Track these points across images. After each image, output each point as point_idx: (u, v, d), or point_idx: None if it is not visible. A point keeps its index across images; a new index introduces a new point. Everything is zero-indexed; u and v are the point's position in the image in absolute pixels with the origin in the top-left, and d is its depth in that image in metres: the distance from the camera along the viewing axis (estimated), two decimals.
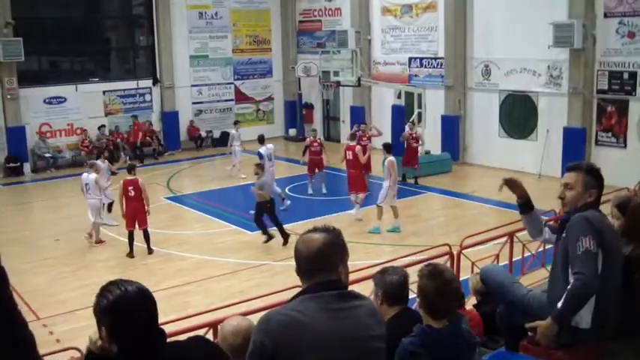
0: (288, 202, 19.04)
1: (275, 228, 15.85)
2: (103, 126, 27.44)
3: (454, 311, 4.24)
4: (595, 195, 4.83)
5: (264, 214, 15.81)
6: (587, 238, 4.52)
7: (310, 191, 20.60)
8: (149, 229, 15.79)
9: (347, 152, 18.65)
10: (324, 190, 20.52)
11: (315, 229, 3.47)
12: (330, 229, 3.48)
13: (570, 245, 4.60)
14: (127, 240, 15.63)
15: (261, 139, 20.01)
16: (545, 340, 4.63)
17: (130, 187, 15.51)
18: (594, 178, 4.87)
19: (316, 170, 20.66)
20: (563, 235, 4.79)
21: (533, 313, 4.80)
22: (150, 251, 15.60)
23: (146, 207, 15.71)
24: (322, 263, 3.37)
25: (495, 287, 5.22)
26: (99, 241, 16.56)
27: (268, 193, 16.02)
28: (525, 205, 5.30)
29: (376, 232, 16.72)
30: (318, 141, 21.08)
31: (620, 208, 5.34)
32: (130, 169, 16.02)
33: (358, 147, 18.68)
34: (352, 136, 19.85)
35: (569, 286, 4.51)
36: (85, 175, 17.03)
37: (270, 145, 19.75)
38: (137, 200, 15.55)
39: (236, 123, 25.03)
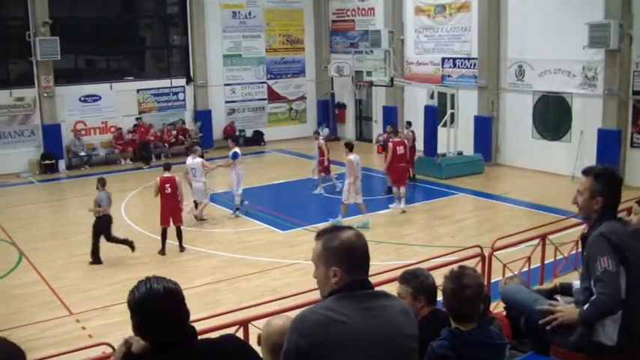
0: (247, 201, 18.94)
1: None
2: (199, 121, 28.28)
3: (479, 315, 4.24)
4: (601, 202, 4.68)
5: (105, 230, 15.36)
6: (604, 258, 4.48)
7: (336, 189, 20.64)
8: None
9: (397, 148, 18.96)
10: (317, 191, 20.68)
11: (340, 228, 3.45)
12: (354, 228, 3.48)
13: (590, 265, 4.58)
14: (159, 237, 15.79)
15: (236, 139, 19.92)
16: (564, 320, 4.67)
17: (167, 185, 15.68)
18: (601, 183, 4.68)
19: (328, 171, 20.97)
20: (585, 252, 4.77)
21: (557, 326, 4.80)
22: (182, 249, 15.74)
23: (180, 204, 15.97)
24: (368, 261, 3.41)
25: (517, 308, 5.21)
26: (202, 219, 18.08)
27: (106, 208, 15.41)
28: (565, 291, 5.27)
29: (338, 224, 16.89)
30: (317, 143, 21.30)
31: None
32: (167, 167, 16.23)
33: (391, 144, 18.95)
34: (395, 133, 19.93)
35: (593, 298, 4.52)
36: (189, 160, 17.92)
37: None
38: (173, 197, 15.76)
39: (320, 123, 24.62)
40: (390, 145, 19.05)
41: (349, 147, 17.88)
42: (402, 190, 18.88)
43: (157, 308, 3.11)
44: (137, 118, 27.49)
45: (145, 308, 3.11)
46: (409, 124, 22.60)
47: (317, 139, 21.59)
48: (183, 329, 3.20)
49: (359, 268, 3.37)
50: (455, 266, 4.45)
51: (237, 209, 18.65)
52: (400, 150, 18.98)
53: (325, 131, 30.86)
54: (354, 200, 17.32)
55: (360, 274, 3.37)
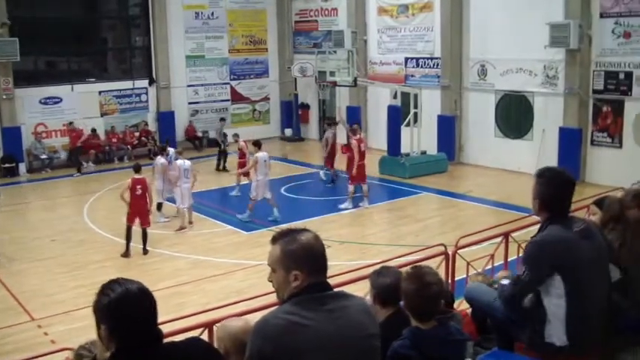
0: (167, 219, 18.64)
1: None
2: (223, 119, 27.49)
3: (440, 312, 4.27)
4: (538, 203, 4.80)
5: None
6: (525, 267, 4.74)
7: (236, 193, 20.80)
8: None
9: (360, 145, 19.06)
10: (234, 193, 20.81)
11: (297, 231, 3.41)
12: (311, 231, 3.45)
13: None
14: (121, 240, 15.69)
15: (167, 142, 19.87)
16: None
17: (138, 186, 15.62)
18: (539, 184, 4.80)
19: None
20: None
21: (520, 324, 4.87)
22: (145, 252, 15.62)
23: (148, 206, 16.01)
24: (321, 264, 3.37)
25: (481, 308, 5.29)
26: (190, 222, 17.79)
27: None
28: None
29: (247, 220, 17.60)
30: (238, 145, 21.66)
31: (597, 204, 5.75)
32: (137, 169, 16.16)
33: (355, 142, 19.14)
34: (354, 132, 20.02)
35: (502, 286, 4.99)
36: (181, 161, 17.93)
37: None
38: (143, 199, 15.76)
39: (331, 124, 23.44)
40: (354, 142, 19.12)
41: (257, 145, 18.23)
42: (365, 187, 19.08)
43: (134, 308, 3.05)
44: (69, 123, 26.44)
45: (123, 309, 3.03)
46: (329, 125, 22.86)
47: (237, 140, 21.66)
48: (153, 331, 3.15)
49: (319, 270, 3.35)
50: (408, 267, 4.48)
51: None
52: (363, 147, 19.16)
53: (288, 132, 30.80)
54: (262, 196, 17.77)
55: (320, 276, 3.35)
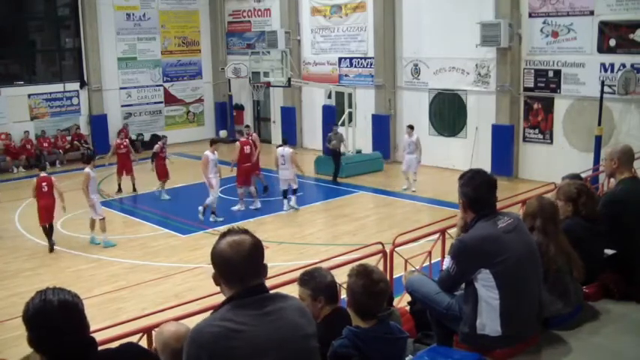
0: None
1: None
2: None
3: (382, 310, 4.29)
4: (463, 203, 4.96)
5: None
6: (452, 262, 4.89)
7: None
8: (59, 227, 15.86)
9: (244, 147, 19.37)
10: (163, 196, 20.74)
11: (232, 232, 3.34)
12: (247, 231, 3.38)
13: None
14: (57, 247, 15.53)
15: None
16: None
17: (44, 183, 16.20)
18: (461, 185, 4.96)
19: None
20: None
21: (459, 318, 4.93)
22: (51, 247, 15.96)
23: (62, 203, 16.26)
24: (253, 267, 3.30)
25: (422, 300, 5.34)
26: None
27: None
28: None
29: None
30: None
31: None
32: (42, 168, 16.98)
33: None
34: (240, 133, 20.31)
35: (439, 276, 5.16)
36: None
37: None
38: (50, 196, 16.22)
39: (412, 127, 21.06)
40: (237, 144, 19.49)
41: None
42: (252, 189, 19.38)
43: (51, 321, 3.01)
44: None
45: (39, 322, 3.01)
46: (247, 126, 22.96)
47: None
48: (82, 341, 3.10)
49: (241, 277, 3.26)
50: (355, 265, 4.48)
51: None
52: (247, 149, 19.35)
53: (223, 133, 30.63)
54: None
55: (251, 280, 3.27)
